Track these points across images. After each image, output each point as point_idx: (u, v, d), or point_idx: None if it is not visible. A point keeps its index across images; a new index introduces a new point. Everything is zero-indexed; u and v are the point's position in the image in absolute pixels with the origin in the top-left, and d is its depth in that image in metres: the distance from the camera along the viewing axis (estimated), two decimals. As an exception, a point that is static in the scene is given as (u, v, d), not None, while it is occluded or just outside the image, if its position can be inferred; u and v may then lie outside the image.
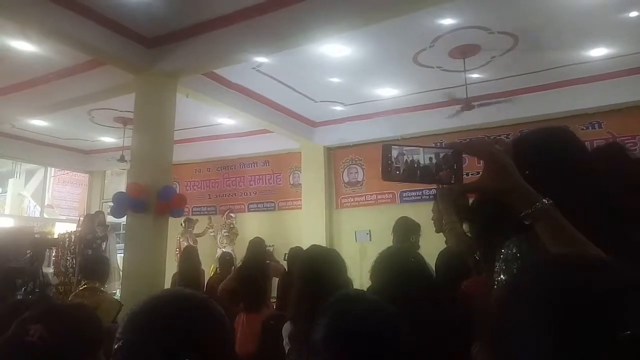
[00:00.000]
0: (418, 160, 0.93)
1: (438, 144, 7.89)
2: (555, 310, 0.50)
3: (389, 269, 1.85)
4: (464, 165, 0.93)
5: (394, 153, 0.93)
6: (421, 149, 0.94)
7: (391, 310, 1.15)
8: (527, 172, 0.90)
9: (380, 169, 0.94)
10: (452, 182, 0.93)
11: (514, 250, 1.09)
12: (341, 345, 1.06)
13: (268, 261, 5.17)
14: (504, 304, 0.57)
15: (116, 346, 0.94)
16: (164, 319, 0.96)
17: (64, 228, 8.90)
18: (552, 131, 1.21)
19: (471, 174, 0.95)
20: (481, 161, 0.92)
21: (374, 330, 1.05)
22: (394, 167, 0.93)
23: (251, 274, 4.53)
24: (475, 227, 1.95)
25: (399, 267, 1.81)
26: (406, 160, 0.93)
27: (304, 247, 2.85)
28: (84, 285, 3.94)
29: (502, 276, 1.11)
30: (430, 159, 0.93)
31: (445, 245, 2.75)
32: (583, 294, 0.50)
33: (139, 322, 0.96)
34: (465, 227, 2.94)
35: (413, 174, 0.93)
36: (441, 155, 0.93)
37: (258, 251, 4.85)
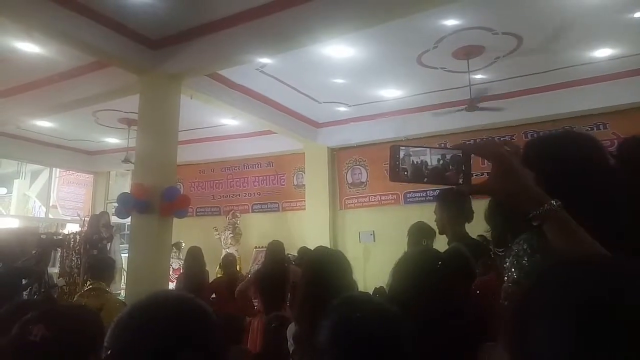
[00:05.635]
0: (425, 161, 0.93)
1: (442, 144, 7.91)
2: (576, 309, 0.50)
3: (408, 269, 1.81)
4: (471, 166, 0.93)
5: (402, 154, 0.93)
6: (428, 149, 0.93)
7: (396, 313, 1.14)
8: (542, 173, 0.90)
9: (388, 170, 0.94)
10: (460, 182, 0.92)
11: (525, 246, 1.10)
12: (345, 347, 1.05)
13: (287, 264, 5.15)
14: (523, 303, 0.57)
15: (104, 356, 0.93)
16: (151, 324, 0.94)
17: (73, 228, 8.95)
18: (565, 133, 1.21)
19: (476, 175, 0.94)
20: (487, 162, 0.92)
21: (378, 333, 1.05)
22: (401, 168, 0.93)
23: (271, 277, 4.54)
24: (497, 223, 1.93)
25: (417, 270, 1.77)
26: (413, 161, 0.93)
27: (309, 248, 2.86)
28: (89, 285, 3.96)
29: (513, 271, 1.12)
30: (438, 160, 0.93)
31: (447, 246, 2.74)
32: (610, 296, 0.50)
33: (127, 329, 0.95)
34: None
35: (420, 175, 0.93)
36: (449, 156, 0.93)
37: (278, 254, 4.83)
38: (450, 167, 0.92)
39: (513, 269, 1.11)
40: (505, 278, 1.15)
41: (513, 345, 0.55)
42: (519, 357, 0.54)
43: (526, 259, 1.08)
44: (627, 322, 0.47)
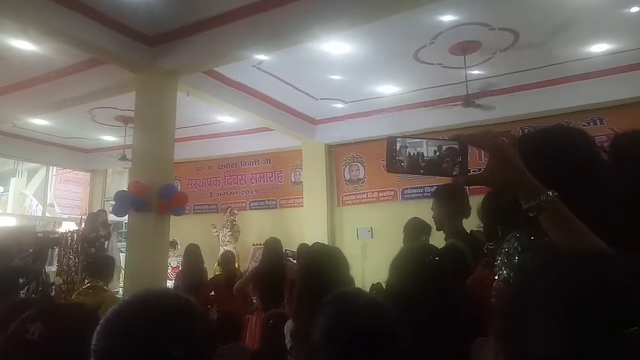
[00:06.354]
0: (422, 153, 0.92)
1: (440, 138, 7.99)
2: (568, 305, 0.50)
3: (406, 265, 1.81)
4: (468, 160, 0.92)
5: (398, 146, 0.93)
6: (424, 141, 0.93)
7: (389, 308, 1.14)
8: (536, 168, 0.90)
9: (385, 161, 0.94)
10: (455, 173, 0.92)
11: (516, 244, 1.09)
12: (339, 344, 1.05)
13: (284, 261, 5.15)
14: (516, 299, 0.57)
15: (93, 358, 0.92)
16: (139, 323, 0.93)
17: (70, 227, 8.92)
18: (558, 128, 1.21)
19: (473, 171, 0.94)
20: (485, 158, 0.91)
21: (372, 329, 1.05)
22: (397, 159, 0.93)
23: (269, 274, 4.55)
24: (488, 220, 1.93)
25: (416, 265, 1.77)
26: (409, 153, 0.93)
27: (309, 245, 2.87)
28: (87, 283, 3.95)
29: (503, 270, 1.11)
30: (434, 151, 0.92)
31: (444, 242, 2.74)
32: (600, 291, 0.50)
33: (115, 330, 0.94)
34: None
35: (416, 166, 0.93)
36: (445, 147, 0.92)
37: (275, 251, 4.84)
38: (447, 158, 0.92)
39: (504, 268, 1.11)
40: (496, 277, 1.15)
41: (506, 343, 0.55)
42: (513, 355, 0.54)
43: (517, 258, 1.08)
44: (622, 320, 0.47)
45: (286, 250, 5.56)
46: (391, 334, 1.06)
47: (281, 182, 9.53)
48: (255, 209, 9.69)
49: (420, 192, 7.80)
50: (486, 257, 2.15)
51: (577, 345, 0.47)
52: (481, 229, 2.30)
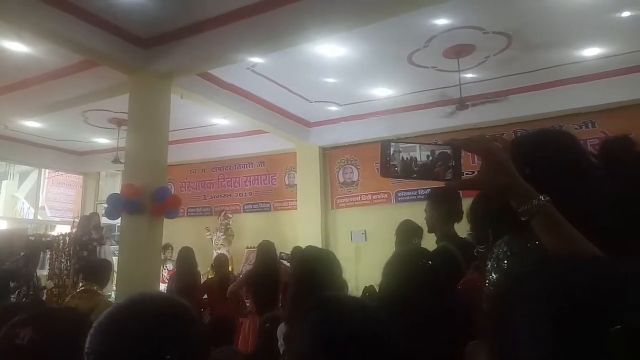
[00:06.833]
0: (415, 158, 0.93)
1: (433, 143, 8.04)
2: (557, 308, 0.50)
3: (399, 268, 1.81)
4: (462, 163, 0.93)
5: (392, 150, 0.93)
6: (418, 146, 0.93)
7: (376, 311, 1.12)
8: (527, 172, 0.91)
9: (379, 165, 0.95)
10: (447, 178, 0.92)
11: (505, 249, 1.10)
12: (329, 351, 1.03)
13: (278, 264, 5.13)
14: (505, 302, 0.57)
15: None
16: (133, 326, 0.93)
17: (63, 230, 8.86)
18: (550, 132, 1.21)
19: (466, 174, 0.94)
20: (478, 160, 0.92)
21: (364, 333, 1.03)
22: (391, 164, 0.93)
23: (262, 278, 4.53)
24: (478, 223, 1.93)
25: (409, 268, 1.77)
26: (403, 157, 0.93)
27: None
28: (81, 287, 3.92)
29: (493, 274, 1.11)
30: (427, 156, 0.92)
31: (436, 245, 2.75)
32: (585, 293, 0.50)
33: (109, 333, 0.94)
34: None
35: (409, 170, 0.93)
36: (438, 152, 0.93)
37: (268, 254, 4.83)
38: (439, 162, 0.92)
39: (494, 272, 1.11)
40: (487, 282, 1.15)
41: (498, 346, 0.55)
42: (505, 357, 0.54)
43: (506, 262, 1.08)
44: (612, 322, 0.47)
45: (281, 252, 5.55)
46: (383, 337, 1.05)
47: (275, 184, 9.52)
48: (249, 211, 9.67)
49: (414, 195, 7.82)
50: (477, 260, 2.15)
51: (566, 347, 0.48)
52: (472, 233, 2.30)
